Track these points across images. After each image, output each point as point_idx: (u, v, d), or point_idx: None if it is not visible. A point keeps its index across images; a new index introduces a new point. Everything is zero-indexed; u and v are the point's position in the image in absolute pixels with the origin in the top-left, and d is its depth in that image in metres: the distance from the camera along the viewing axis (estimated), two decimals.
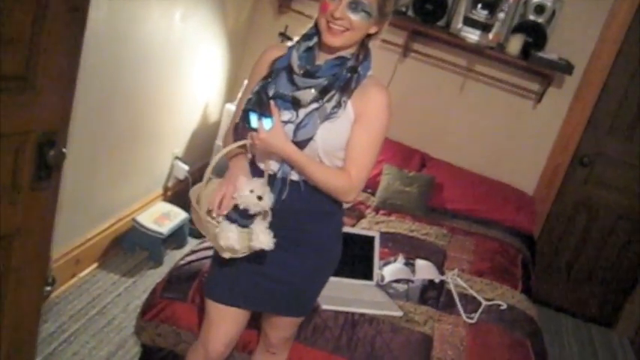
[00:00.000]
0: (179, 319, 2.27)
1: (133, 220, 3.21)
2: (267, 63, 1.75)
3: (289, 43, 1.76)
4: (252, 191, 1.60)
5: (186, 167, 3.63)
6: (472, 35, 3.59)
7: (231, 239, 1.58)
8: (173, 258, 3.19)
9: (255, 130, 1.63)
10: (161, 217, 3.28)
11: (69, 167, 2.59)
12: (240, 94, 1.93)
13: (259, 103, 1.64)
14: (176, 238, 3.39)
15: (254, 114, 1.63)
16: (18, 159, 1.48)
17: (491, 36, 3.58)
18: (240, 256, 1.66)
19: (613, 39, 3.65)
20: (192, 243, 3.38)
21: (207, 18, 3.47)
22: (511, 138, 3.96)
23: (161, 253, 3.25)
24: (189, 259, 2.48)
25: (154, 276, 3.06)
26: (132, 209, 3.31)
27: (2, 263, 1.57)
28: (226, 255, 1.65)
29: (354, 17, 1.61)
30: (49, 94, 1.50)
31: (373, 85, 1.72)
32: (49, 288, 2.18)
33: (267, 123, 1.61)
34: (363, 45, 1.71)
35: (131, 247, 3.23)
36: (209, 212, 1.68)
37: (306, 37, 1.72)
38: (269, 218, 1.66)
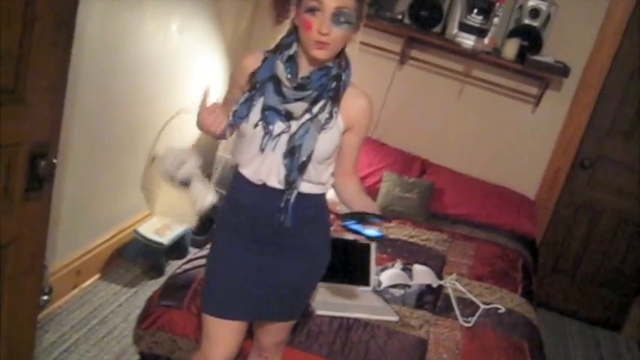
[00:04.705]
0: (175, 326, 2.29)
1: (135, 231, 3.24)
2: (246, 73, 1.74)
3: (264, 51, 1.76)
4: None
5: None
6: (468, 40, 3.61)
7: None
8: (174, 268, 3.19)
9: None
10: (162, 227, 3.31)
11: (68, 179, 2.64)
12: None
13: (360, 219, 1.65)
14: (177, 248, 3.40)
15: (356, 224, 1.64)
16: (10, 170, 1.51)
17: (486, 41, 3.60)
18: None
19: (610, 40, 3.65)
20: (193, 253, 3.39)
21: (205, 30, 3.51)
22: (511, 142, 3.96)
23: (162, 263, 3.28)
24: (185, 267, 2.52)
25: (155, 286, 3.04)
26: (133, 220, 3.34)
27: None
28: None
29: (339, 30, 1.62)
30: (38, 106, 1.53)
31: (356, 91, 1.76)
32: (46, 297, 2.21)
33: (371, 232, 1.64)
34: (343, 52, 1.74)
35: (133, 258, 3.26)
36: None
37: (285, 46, 1.71)
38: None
